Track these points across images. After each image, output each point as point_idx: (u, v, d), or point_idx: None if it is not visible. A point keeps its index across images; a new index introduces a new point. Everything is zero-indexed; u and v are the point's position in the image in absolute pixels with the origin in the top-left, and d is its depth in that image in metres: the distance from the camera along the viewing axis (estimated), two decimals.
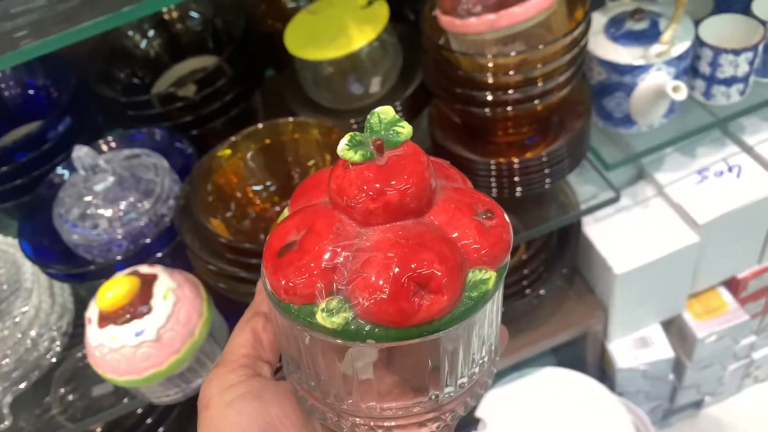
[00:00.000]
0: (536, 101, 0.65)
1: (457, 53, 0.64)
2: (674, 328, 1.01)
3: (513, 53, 0.61)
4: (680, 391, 1.09)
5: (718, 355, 1.04)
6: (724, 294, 0.99)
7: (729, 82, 0.75)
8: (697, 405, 1.17)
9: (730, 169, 0.87)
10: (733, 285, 0.99)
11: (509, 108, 0.66)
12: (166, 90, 0.82)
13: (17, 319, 0.70)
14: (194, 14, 0.86)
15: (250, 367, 0.28)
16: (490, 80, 0.64)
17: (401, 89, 0.76)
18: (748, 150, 0.88)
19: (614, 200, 0.82)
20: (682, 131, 0.80)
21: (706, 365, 1.05)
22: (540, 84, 0.64)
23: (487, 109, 0.66)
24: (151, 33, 0.86)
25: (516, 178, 0.72)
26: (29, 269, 0.75)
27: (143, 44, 0.86)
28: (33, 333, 0.71)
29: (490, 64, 0.63)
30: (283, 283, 0.23)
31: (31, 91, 0.85)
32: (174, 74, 0.86)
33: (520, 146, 0.73)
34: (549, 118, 0.73)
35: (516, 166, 0.71)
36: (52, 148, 0.75)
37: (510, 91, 0.65)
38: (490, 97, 0.65)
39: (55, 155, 0.76)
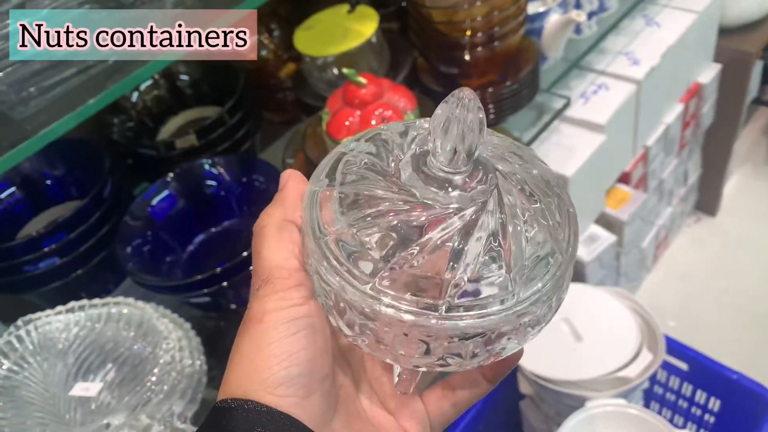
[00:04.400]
0: (496, 42, 0.90)
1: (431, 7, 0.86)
2: (603, 222, 1.30)
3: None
4: (620, 277, 1.38)
5: (635, 236, 1.35)
6: (623, 187, 1.32)
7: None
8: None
9: (600, 87, 1.20)
10: (624, 179, 1.32)
11: (478, 49, 0.89)
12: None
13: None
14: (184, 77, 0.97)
15: (304, 286, 0.28)
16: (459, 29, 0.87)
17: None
18: (602, 72, 1.23)
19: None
20: (569, 61, 1.12)
21: (629, 249, 1.36)
22: (497, 29, 0.89)
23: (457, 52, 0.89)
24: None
25: (490, 106, 0.95)
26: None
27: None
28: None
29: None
30: None
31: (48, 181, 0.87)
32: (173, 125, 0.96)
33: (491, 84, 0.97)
34: (508, 64, 0.97)
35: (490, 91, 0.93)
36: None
37: (479, 35, 0.88)
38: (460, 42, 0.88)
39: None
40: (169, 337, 0.67)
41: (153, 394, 0.62)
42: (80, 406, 0.64)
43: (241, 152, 0.88)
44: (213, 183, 0.83)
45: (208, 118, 0.86)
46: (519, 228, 0.28)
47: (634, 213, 1.29)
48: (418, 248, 0.27)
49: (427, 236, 0.27)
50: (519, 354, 0.30)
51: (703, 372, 1.14)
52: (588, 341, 1.09)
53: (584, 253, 1.23)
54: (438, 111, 0.28)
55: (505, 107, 0.96)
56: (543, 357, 1.08)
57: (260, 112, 0.96)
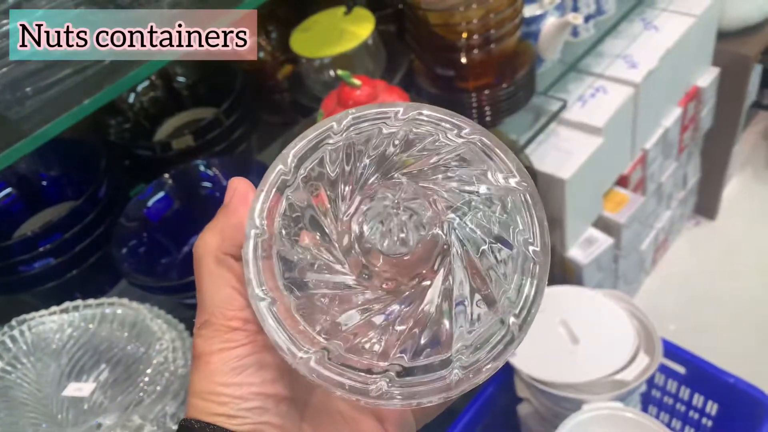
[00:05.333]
0: (492, 45, 0.90)
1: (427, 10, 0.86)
2: (600, 225, 1.29)
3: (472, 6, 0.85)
4: (618, 280, 1.38)
5: (634, 239, 1.35)
6: (621, 190, 1.32)
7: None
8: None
9: (597, 90, 1.20)
10: (622, 182, 1.32)
11: (474, 51, 0.89)
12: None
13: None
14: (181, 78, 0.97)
15: (250, 323, 0.28)
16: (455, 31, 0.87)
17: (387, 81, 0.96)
18: (600, 75, 1.23)
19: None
20: (566, 64, 1.12)
21: (627, 252, 1.36)
22: (493, 31, 0.89)
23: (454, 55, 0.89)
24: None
25: (487, 108, 0.95)
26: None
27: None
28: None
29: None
30: None
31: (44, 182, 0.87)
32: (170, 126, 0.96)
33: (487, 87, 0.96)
34: (505, 66, 0.96)
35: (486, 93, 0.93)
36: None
37: (475, 37, 0.88)
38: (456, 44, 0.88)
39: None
40: (162, 337, 0.67)
41: (145, 394, 0.62)
42: (73, 406, 0.64)
43: (237, 153, 0.88)
44: (209, 184, 0.83)
45: (204, 119, 0.86)
46: (465, 309, 0.27)
47: (632, 216, 1.29)
48: (356, 331, 0.27)
49: (362, 318, 0.27)
50: None
51: (701, 376, 1.13)
52: (585, 344, 1.09)
53: (581, 256, 1.23)
54: (371, 211, 0.28)
55: (502, 110, 0.96)
56: (540, 360, 1.07)
57: (257, 113, 0.96)
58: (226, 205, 0.30)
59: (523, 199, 0.28)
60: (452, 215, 0.28)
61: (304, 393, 0.31)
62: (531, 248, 0.28)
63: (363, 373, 0.27)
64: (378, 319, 0.27)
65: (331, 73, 0.90)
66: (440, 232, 0.28)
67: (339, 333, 0.27)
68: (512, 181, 0.28)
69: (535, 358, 1.07)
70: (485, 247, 0.28)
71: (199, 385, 0.28)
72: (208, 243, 0.29)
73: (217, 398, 0.27)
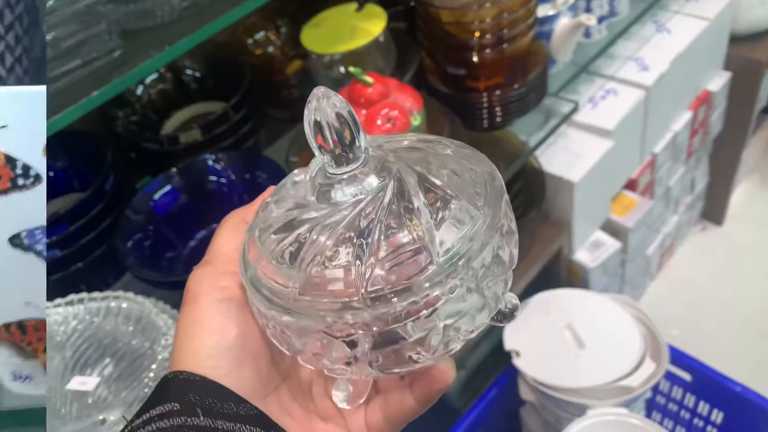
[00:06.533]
0: (505, 45, 0.89)
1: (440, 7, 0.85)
2: (608, 229, 1.29)
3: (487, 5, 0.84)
4: (624, 284, 1.37)
5: (641, 243, 1.34)
6: (630, 194, 1.31)
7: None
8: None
9: (608, 93, 1.19)
10: (631, 186, 1.31)
11: (486, 51, 0.88)
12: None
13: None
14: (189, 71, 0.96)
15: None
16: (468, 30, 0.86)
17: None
18: (611, 77, 1.22)
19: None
20: (578, 65, 1.11)
21: (634, 256, 1.35)
22: (506, 31, 0.88)
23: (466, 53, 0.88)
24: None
25: (497, 108, 0.94)
26: None
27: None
28: None
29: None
30: None
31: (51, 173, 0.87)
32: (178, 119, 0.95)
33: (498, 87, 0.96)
34: (516, 66, 0.95)
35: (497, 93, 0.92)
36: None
37: (487, 36, 0.87)
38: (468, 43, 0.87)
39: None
40: (168, 333, 0.66)
41: (150, 390, 0.62)
42: (76, 400, 0.63)
43: (245, 148, 0.88)
44: (216, 178, 0.83)
45: (212, 113, 0.86)
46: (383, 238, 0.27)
47: (639, 220, 1.28)
48: (324, 253, 0.27)
49: (333, 237, 0.27)
50: (447, 376, 0.29)
51: (707, 383, 1.13)
52: (590, 348, 1.08)
53: (589, 259, 1.22)
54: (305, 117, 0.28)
55: (512, 110, 0.95)
56: (545, 363, 1.07)
57: (265, 108, 0.95)
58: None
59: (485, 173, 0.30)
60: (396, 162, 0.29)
61: (289, 365, 0.32)
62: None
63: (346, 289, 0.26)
64: (343, 234, 0.27)
65: (341, 69, 0.89)
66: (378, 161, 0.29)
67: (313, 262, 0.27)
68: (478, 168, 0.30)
69: (540, 362, 1.07)
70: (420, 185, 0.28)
71: (183, 326, 0.29)
72: (236, 212, 0.33)
73: (197, 335, 0.28)
